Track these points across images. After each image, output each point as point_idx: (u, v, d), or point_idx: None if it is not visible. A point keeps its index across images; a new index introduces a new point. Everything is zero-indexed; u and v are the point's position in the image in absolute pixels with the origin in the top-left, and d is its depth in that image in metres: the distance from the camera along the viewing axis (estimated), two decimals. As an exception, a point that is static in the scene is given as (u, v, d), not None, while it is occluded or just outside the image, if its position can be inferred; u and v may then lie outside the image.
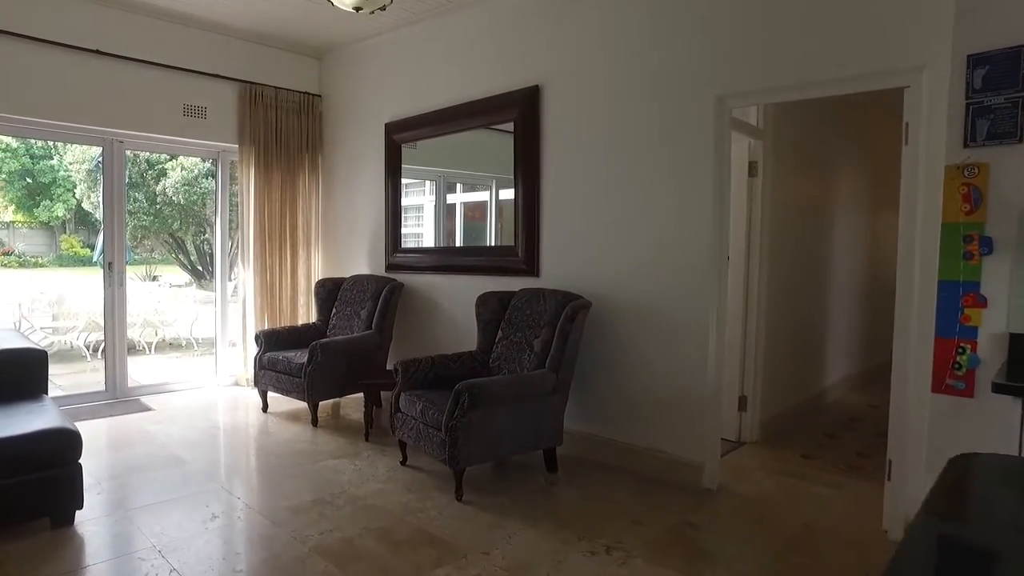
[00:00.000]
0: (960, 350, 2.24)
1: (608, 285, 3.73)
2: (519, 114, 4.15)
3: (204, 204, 10.92)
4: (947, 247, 2.26)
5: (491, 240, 5.16)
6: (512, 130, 4.22)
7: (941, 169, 2.65)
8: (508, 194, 4.84)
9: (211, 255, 8.97)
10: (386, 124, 5.18)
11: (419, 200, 5.64)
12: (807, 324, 5.06)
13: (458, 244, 5.40)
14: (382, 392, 4.34)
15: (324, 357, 4.38)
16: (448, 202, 5.60)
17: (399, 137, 5.10)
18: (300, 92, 5.67)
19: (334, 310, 5.17)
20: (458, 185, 5.65)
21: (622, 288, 3.67)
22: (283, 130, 5.56)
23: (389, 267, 5.24)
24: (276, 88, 5.50)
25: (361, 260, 5.55)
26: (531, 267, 4.15)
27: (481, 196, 5.64)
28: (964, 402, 2.24)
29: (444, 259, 4.87)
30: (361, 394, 4.48)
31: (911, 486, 2.76)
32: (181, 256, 12.20)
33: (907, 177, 2.79)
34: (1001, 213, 2.17)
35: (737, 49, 3.20)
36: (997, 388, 1.69)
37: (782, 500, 3.27)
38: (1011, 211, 2.15)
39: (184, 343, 8.82)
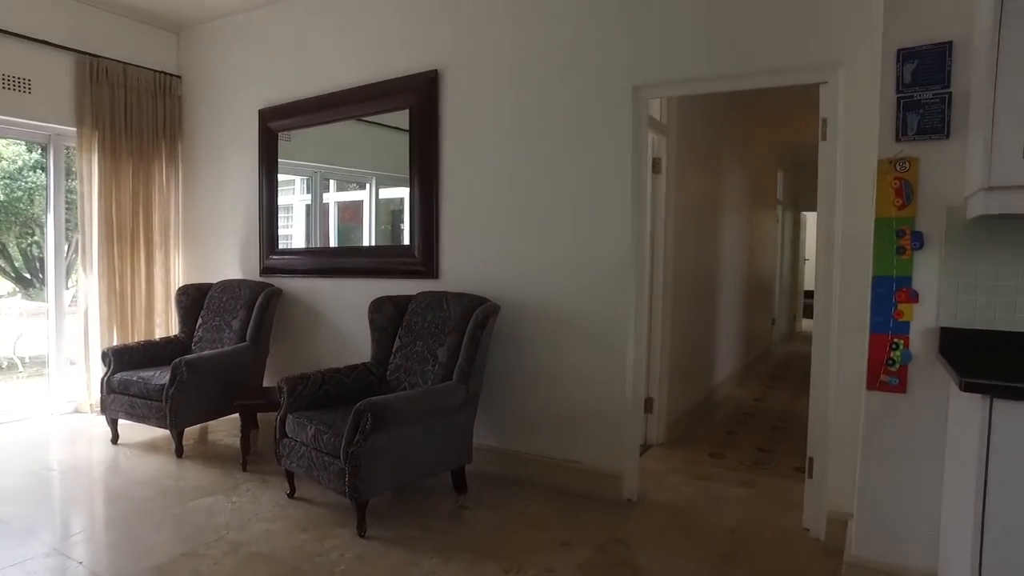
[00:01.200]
0: (893, 346, 2.21)
1: (517, 287, 3.48)
2: (416, 102, 3.80)
3: (32, 201, 9.46)
4: (881, 242, 2.22)
5: (369, 243, 4.67)
6: (407, 119, 3.85)
7: (861, 165, 2.66)
8: (389, 193, 4.46)
9: (41, 259, 7.73)
10: (260, 111, 4.61)
11: (288, 199, 5.08)
12: (703, 323, 5.12)
13: (336, 246, 4.90)
14: (259, 413, 3.81)
15: (191, 376, 3.77)
16: (323, 201, 5.09)
17: (276, 125, 4.55)
18: (155, 71, 4.93)
19: (200, 321, 4.52)
20: (331, 183, 5.15)
21: (533, 290, 3.43)
22: (135, 113, 4.80)
23: (264, 271, 4.66)
24: (125, 64, 4.73)
25: (231, 263, 4.92)
26: (430, 269, 3.80)
27: (357, 195, 5.20)
28: (898, 398, 2.21)
29: (329, 261, 4.40)
30: (236, 416, 3.91)
31: (834, 484, 2.74)
32: (2, 262, 10.52)
33: (825, 173, 2.77)
34: (930, 208, 2.15)
35: (655, 37, 3.07)
36: (968, 387, 1.61)
37: (703, 506, 3.17)
38: (939, 206, 2.14)
39: (5, 364, 7.52)
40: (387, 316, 3.60)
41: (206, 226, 5.08)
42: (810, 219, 11.59)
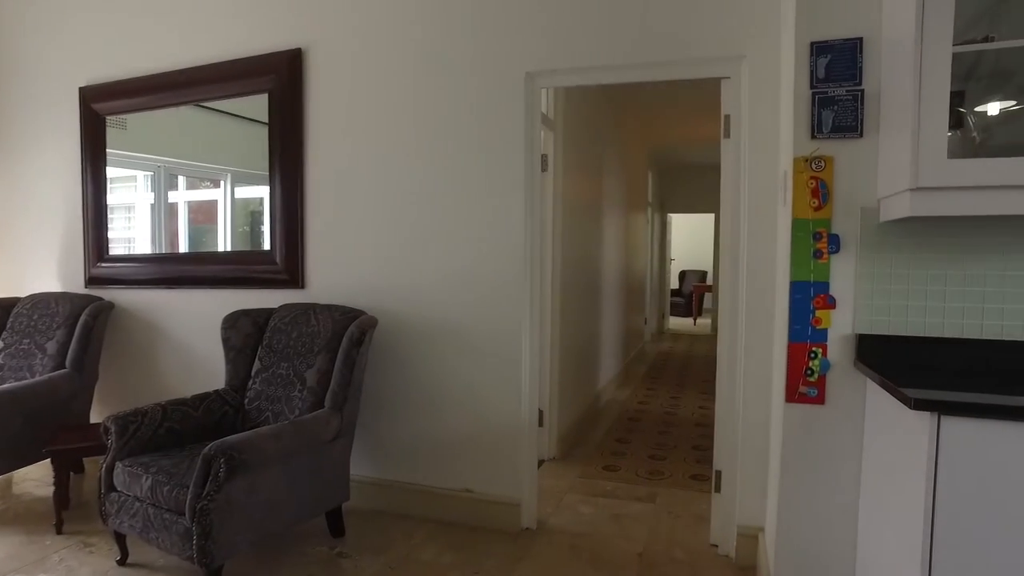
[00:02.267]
0: (812, 354, 2.09)
1: (398, 297, 3.09)
2: (275, 85, 3.29)
3: None
4: (798, 245, 2.09)
5: (225, 247, 4.07)
6: (267, 106, 3.33)
7: (765, 164, 2.55)
8: (248, 191, 3.90)
9: None
10: (81, 89, 3.84)
11: (129, 197, 4.33)
12: (590, 327, 4.98)
13: (183, 251, 4.23)
14: (84, 457, 3.11)
15: (-16, 416, 3.01)
16: (170, 200, 4.38)
17: (103, 107, 3.81)
18: (-68, 36, 3.98)
19: (0, 344, 3.68)
20: (180, 180, 4.46)
21: (417, 301, 3.06)
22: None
23: (91, 281, 3.90)
24: None
25: (45, 273, 4.08)
26: (294, 277, 3.31)
27: (211, 194, 4.53)
28: (817, 410, 2.09)
29: (173, 269, 3.74)
30: (49, 463, 3.17)
31: (745, 498, 2.62)
32: None
33: (728, 171, 2.65)
34: (846, 209, 2.05)
35: (550, 21, 2.81)
36: (919, 404, 1.48)
37: (606, 528, 2.96)
38: (853, 207, 2.04)
39: None
40: (244, 333, 3.07)
41: (12, 228, 4.19)
42: (676, 220, 12.08)
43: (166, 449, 2.61)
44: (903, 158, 1.76)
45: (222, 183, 4.16)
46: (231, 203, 4.07)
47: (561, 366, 4.05)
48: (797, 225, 2.10)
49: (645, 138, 7.97)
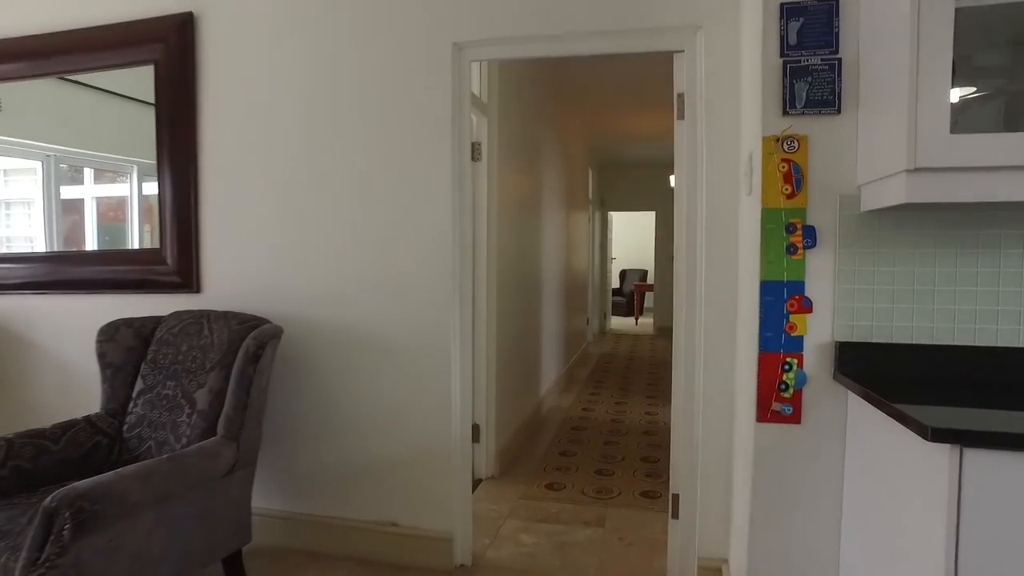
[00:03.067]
0: (786, 366, 1.80)
1: (310, 303, 2.67)
2: (162, 55, 2.80)
3: None
4: (769, 239, 1.80)
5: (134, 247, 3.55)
6: (153, 83, 2.84)
7: (726, 148, 2.27)
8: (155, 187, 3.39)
9: None
10: (-79, 58, 3.23)
11: (31, 193, 3.71)
12: (529, 330, 4.65)
13: (58, 250, 3.66)
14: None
15: None
16: (74, 196, 3.78)
17: (-51, 80, 3.21)
18: None
19: None
20: (88, 173, 3.87)
21: (332, 307, 2.64)
22: None
23: (-60, 287, 3.30)
24: None
25: None
26: (189, 280, 2.84)
27: (121, 189, 3.97)
28: (792, 431, 1.81)
29: (50, 271, 3.18)
30: None
31: (706, 526, 2.33)
32: None
33: (683, 158, 2.35)
34: (821, 197, 1.78)
35: (477, -15, 2.45)
36: (936, 435, 1.21)
37: (550, 561, 2.63)
38: (830, 195, 1.77)
39: None
40: (125, 347, 2.58)
41: None
42: (616, 218, 11.94)
43: (11, 496, 2.12)
44: (894, 135, 1.48)
45: (128, 177, 3.62)
46: (138, 199, 3.54)
47: (499, 374, 3.70)
48: (767, 216, 1.81)
49: (586, 133, 7.73)
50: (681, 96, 2.35)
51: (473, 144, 3.50)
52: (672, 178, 7.68)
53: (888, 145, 1.53)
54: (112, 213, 3.94)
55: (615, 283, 12.77)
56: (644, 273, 13.03)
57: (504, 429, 3.83)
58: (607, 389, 6.05)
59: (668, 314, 9.53)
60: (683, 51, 2.31)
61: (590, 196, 8.77)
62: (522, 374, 4.40)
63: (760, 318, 1.82)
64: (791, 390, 1.80)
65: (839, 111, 1.75)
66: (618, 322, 12.07)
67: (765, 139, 1.80)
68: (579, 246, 7.78)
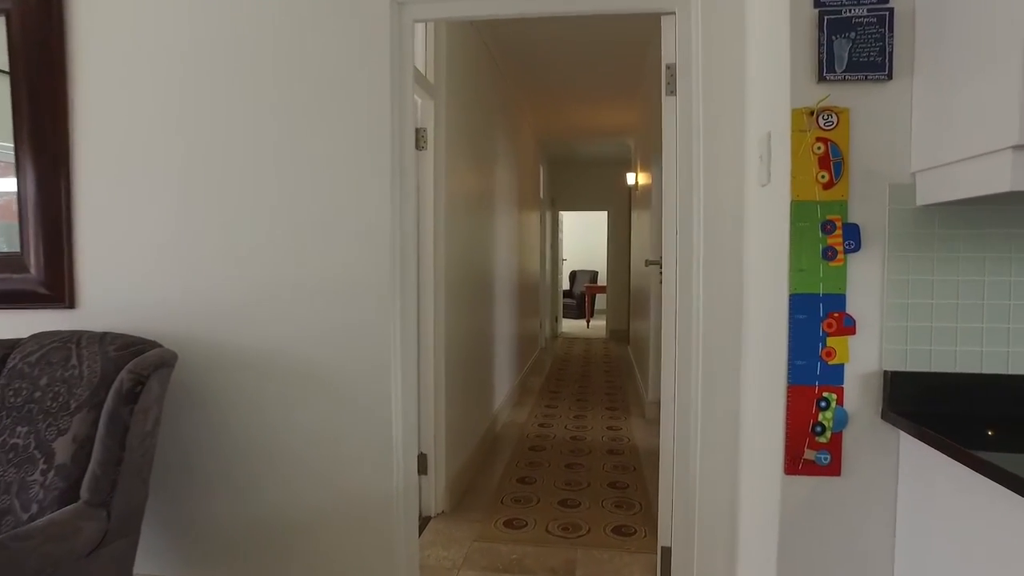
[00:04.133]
0: (822, 403, 1.41)
1: (215, 320, 2.14)
2: (15, 3, 2.22)
3: None
4: (800, 240, 1.40)
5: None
6: (5, 41, 2.26)
7: (728, 130, 1.87)
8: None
9: None
10: None
11: None
12: (481, 341, 4.20)
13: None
14: None
15: None
16: None
17: None
18: None
19: None
20: None
21: (242, 325, 2.13)
22: None
23: None
24: None
25: None
26: (59, 292, 2.26)
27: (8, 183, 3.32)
28: (829, 485, 1.42)
29: None
30: None
31: (703, 589, 1.93)
32: None
33: (676, 141, 1.95)
34: (867, 187, 1.39)
35: (420, -73, 1.99)
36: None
37: (515, 628, 2.18)
38: (877, 184, 1.39)
39: None
40: (-32, 379, 2.00)
41: None
42: (567, 218, 11.61)
43: None
44: (990, 103, 1.10)
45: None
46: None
47: (449, 393, 3.23)
48: (798, 211, 1.41)
49: (537, 127, 7.33)
50: (671, 68, 1.94)
51: (418, 130, 3.04)
52: (630, 176, 7.36)
53: (975, 117, 1.15)
54: (3, 211, 3.30)
55: (565, 284, 12.44)
56: (595, 274, 12.75)
57: (456, 456, 3.37)
58: (564, 400, 5.65)
59: (621, 317, 9.22)
60: (674, 12, 1.90)
61: (541, 194, 8.38)
62: (475, 390, 3.94)
63: (789, 342, 1.42)
64: (828, 433, 1.41)
65: (890, 76, 1.37)
66: (569, 325, 11.74)
67: (795, 112, 1.40)
68: (531, 246, 7.38)
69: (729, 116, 1.84)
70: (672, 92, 1.95)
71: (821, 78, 1.38)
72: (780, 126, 1.47)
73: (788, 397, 1.42)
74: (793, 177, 1.41)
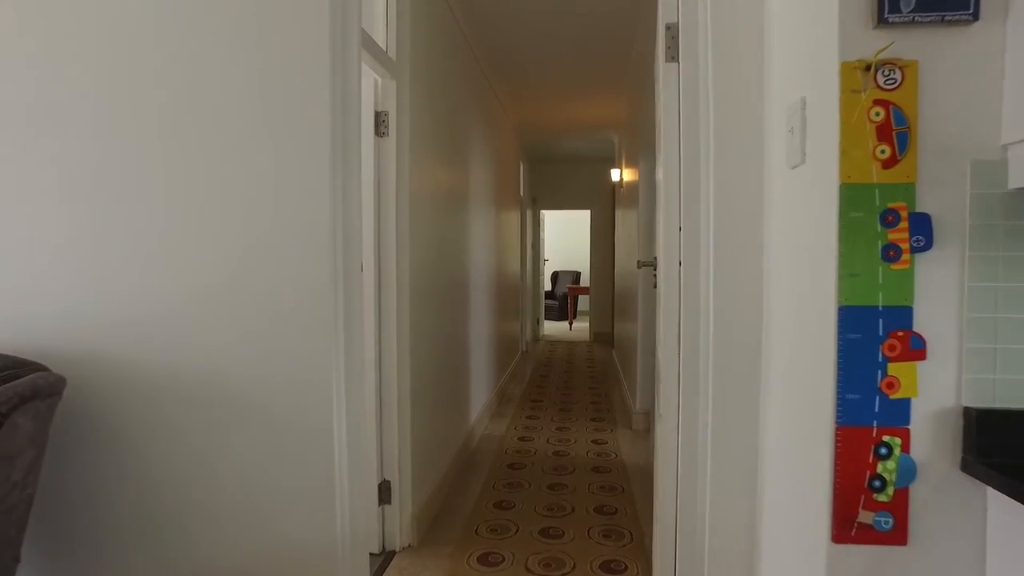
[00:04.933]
0: (881, 450, 1.07)
1: (111, 334, 1.75)
2: None
3: None
4: (852, 235, 1.07)
5: None
6: None
7: (744, 100, 1.53)
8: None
9: None
10: None
11: None
12: (455, 347, 3.83)
13: None
14: None
15: None
16: None
17: None
18: None
19: None
20: None
21: (143, 339, 1.74)
22: None
23: None
24: None
25: None
26: (-62, 301, 1.86)
27: None
28: (892, 556, 1.09)
29: None
30: None
31: (714, 664, 1.59)
32: None
33: (673, 116, 1.60)
34: (942, 165, 1.06)
35: None
36: None
37: None
38: (955, 161, 1.06)
39: None
40: None
41: None
42: (549, 217, 11.28)
43: None
44: None
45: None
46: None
47: (416, 409, 2.87)
48: (849, 197, 1.07)
49: (518, 124, 6.98)
50: (672, 28, 1.60)
51: (378, 114, 2.68)
52: (615, 172, 7.03)
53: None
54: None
55: (547, 286, 12.11)
56: (577, 275, 12.44)
57: (424, 480, 3.00)
58: (546, 410, 5.31)
59: (605, 319, 8.90)
60: (676, -44, 1.56)
61: (522, 193, 8.03)
62: (448, 403, 3.58)
63: (837, 368, 1.08)
64: (890, 489, 1.07)
65: (975, 16, 1.03)
66: (551, 327, 11.41)
67: (845, 67, 1.06)
68: (511, 247, 7.04)
69: (746, 81, 1.50)
70: (673, 58, 1.61)
71: (881, 21, 1.04)
72: (822, 88, 1.13)
73: (837, 441, 1.08)
74: (842, 153, 1.07)
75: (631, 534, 2.87)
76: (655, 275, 2.37)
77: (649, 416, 4.45)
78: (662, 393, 1.66)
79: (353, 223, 1.72)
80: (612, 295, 8.21)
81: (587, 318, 10.56)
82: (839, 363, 1.07)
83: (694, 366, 1.57)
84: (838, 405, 1.08)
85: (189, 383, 1.73)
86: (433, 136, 3.23)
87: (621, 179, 6.41)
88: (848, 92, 1.06)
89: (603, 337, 9.23)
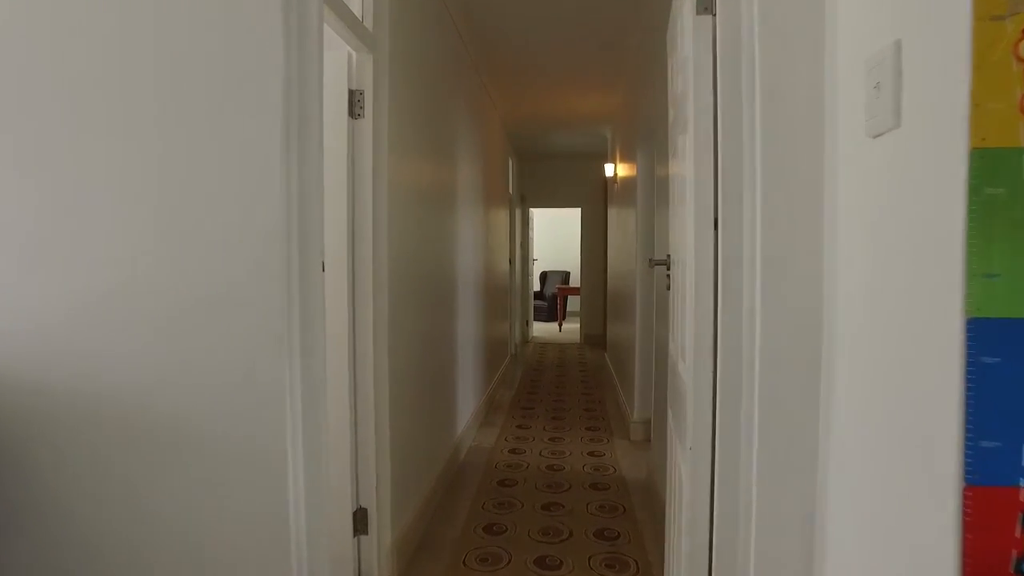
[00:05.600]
0: (1027, 519, 0.78)
1: (14, 346, 1.42)
2: None
3: None
4: (990, 218, 0.77)
5: None
6: None
7: (793, 62, 1.22)
8: None
9: None
10: None
11: None
12: (440, 358, 3.52)
13: None
14: None
15: None
16: None
17: None
18: None
19: None
20: None
21: (53, 355, 1.41)
22: None
23: None
24: None
25: None
26: None
27: None
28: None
29: None
30: None
31: None
32: None
33: (707, 81, 1.30)
34: (1111, 123, 0.76)
35: None
36: None
37: None
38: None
39: None
40: None
41: None
42: (538, 215, 10.99)
43: None
44: None
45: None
46: None
47: (395, 426, 2.56)
48: (986, 168, 0.77)
49: (506, 118, 6.67)
50: (709, -33, 1.29)
51: (352, 92, 2.36)
52: (608, 167, 6.73)
53: None
54: None
55: (536, 286, 11.81)
56: (566, 275, 12.15)
57: (406, 503, 2.69)
58: (538, 418, 5.00)
59: (597, 321, 8.59)
60: None
61: (510, 190, 7.73)
62: (432, 413, 3.27)
63: (965, 405, 0.78)
64: (1042, 576, 0.77)
65: None
66: (541, 329, 11.12)
67: (977, 23, 0.76)
68: (500, 245, 6.73)
69: (801, 32, 1.19)
70: (707, 9, 1.31)
71: (1033, -75, 0.74)
72: (935, 20, 0.83)
73: (965, 507, 0.78)
74: (975, 106, 0.77)
75: (637, 564, 2.57)
76: (668, 276, 2.08)
77: (648, 425, 4.16)
78: (690, 417, 1.35)
79: (311, 213, 1.40)
80: (604, 296, 7.92)
81: (577, 319, 10.27)
82: (968, 397, 0.77)
83: (734, 386, 1.27)
84: (967, 456, 0.78)
85: (113, 408, 1.40)
86: (415, 121, 2.91)
87: (615, 175, 6.13)
88: (984, 20, 0.76)
89: (595, 339, 8.95)
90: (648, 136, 3.93)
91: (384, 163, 2.39)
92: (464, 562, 2.62)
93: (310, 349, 1.38)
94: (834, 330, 1.15)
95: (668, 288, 2.07)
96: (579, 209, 9.45)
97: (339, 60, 2.30)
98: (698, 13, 1.33)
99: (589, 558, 2.64)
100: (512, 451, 4.13)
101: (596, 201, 8.96)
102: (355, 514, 2.38)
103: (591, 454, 4.05)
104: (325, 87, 2.30)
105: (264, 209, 1.31)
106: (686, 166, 1.45)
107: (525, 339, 9.46)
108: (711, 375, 1.28)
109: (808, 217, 1.21)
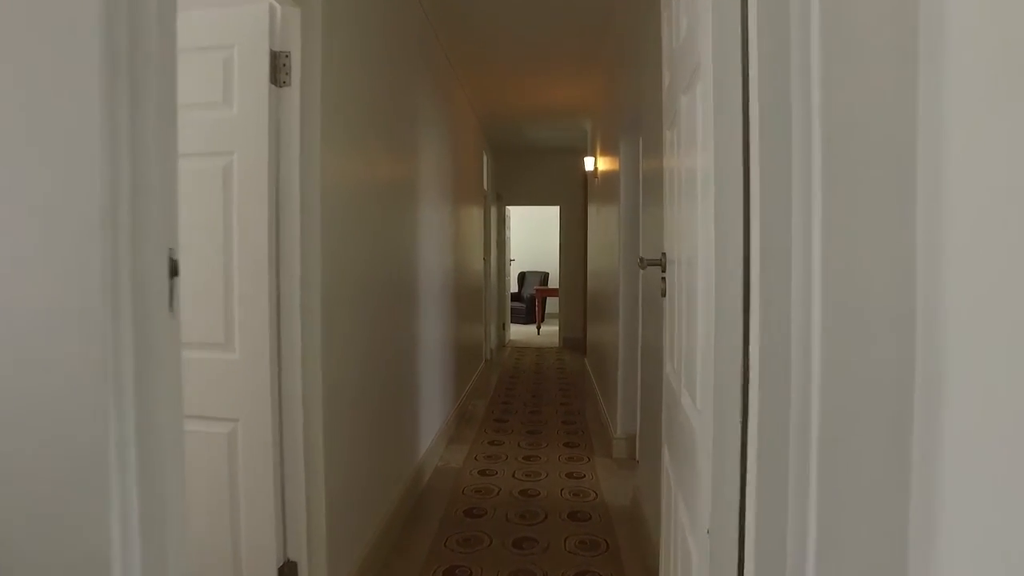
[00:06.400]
0: None
1: None
2: None
3: None
4: None
5: None
6: None
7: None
8: None
9: None
10: None
11: None
12: (396, 368, 3.09)
13: None
14: None
15: None
16: None
17: None
18: None
19: None
20: None
21: None
22: None
23: None
24: None
25: None
26: None
27: None
28: None
29: None
30: None
31: None
32: None
33: (735, 25, 0.89)
34: None
35: None
36: None
37: None
38: None
39: None
40: None
41: None
42: (515, 214, 10.58)
43: None
44: None
45: None
46: None
47: (333, 454, 2.13)
48: None
49: (480, 112, 6.25)
50: None
51: (276, 55, 1.92)
52: (588, 161, 6.33)
53: None
54: None
55: (513, 287, 11.39)
56: (545, 276, 11.75)
57: (348, 549, 2.26)
58: (512, 432, 4.58)
59: (576, 324, 8.14)
60: None
61: (485, 187, 7.30)
62: (384, 438, 2.84)
63: None
64: None
65: None
66: (518, 331, 10.71)
67: None
68: (473, 245, 6.31)
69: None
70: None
71: None
72: None
73: None
74: None
75: (624, 621, 2.17)
76: (663, 279, 1.68)
77: (633, 442, 3.76)
78: (706, 487, 0.94)
79: (155, 189, 0.95)
80: (584, 298, 7.53)
81: (556, 321, 9.88)
82: None
83: (778, 432, 0.86)
84: None
85: None
86: (361, 98, 2.48)
87: (596, 169, 5.73)
88: None
89: (574, 343, 8.56)
90: (632, 125, 3.54)
91: (316, 140, 1.95)
92: (418, 620, 2.20)
93: (149, 387, 0.94)
94: (950, 347, 0.75)
95: (663, 294, 1.67)
96: (558, 208, 9.06)
97: (258, 13, 1.87)
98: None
99: (567, 612, 2.23)
100: (482, 472, 3.70)
101: (575, 199, 8.58)
102: (281, 570, 1.95)
103: (570, 475, 3.64)
104: (239, 45, 1.87)
105: (73, 183, 0.88)
106: (697, 128, 1.04)
107: (502, 343, 9.04)
108: (739, 428, 0.87)
109: (893, 199, 0.80)
